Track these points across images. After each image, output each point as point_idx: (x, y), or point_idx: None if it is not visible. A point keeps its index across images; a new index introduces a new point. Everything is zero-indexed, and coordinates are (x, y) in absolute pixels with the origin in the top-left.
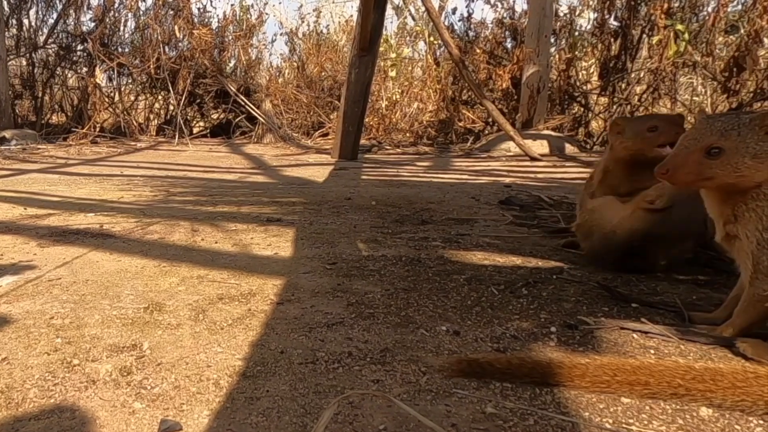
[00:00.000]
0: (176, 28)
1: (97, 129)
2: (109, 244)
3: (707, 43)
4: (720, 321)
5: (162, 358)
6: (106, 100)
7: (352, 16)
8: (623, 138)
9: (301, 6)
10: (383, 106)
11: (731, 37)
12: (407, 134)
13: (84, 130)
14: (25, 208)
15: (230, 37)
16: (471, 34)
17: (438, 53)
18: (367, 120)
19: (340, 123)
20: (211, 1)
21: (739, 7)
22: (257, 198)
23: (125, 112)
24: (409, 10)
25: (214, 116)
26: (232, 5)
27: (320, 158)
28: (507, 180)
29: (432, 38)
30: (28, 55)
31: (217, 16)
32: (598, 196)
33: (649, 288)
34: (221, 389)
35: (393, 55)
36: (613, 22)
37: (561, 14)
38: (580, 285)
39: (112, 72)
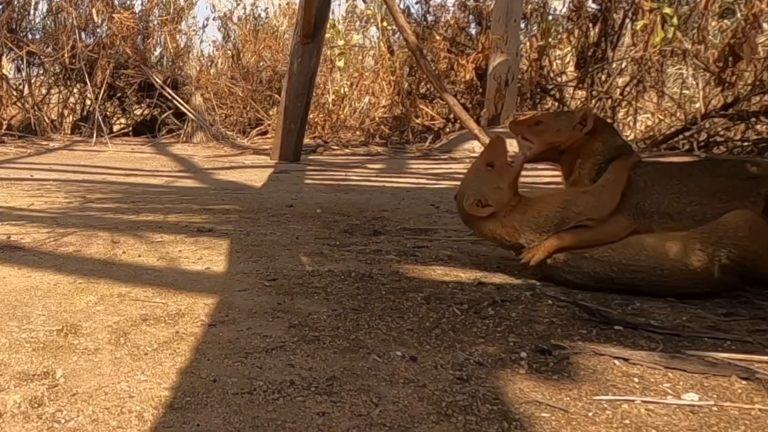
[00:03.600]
0: (94, 11)
1: (4, 126)
2: (17, 257)
3: (699, 29)
4: None
5: (78, 387)
6: (14, 93)
7: None
8: None
9: None
10: (330, 100)
11: (726, 22)
12: (357, 132)
13: None
14: None
15: (156, 22)
16: (430, 18)
17: (392, 40)
18: (311, 116)
19: (280, 120)
20: None
21: None
22: (186, 205)
23: (36, 108)
24: None
25: (138, 112)
26: None
27: (258, 160)
28: None
29: (385, 23)
30: None
31: None
32: None
33: (634, 308)
34: (145, 423)
35: (341, 43)
36: (591, 5)
37: None
38: (554, 304)
39: (20, 61)
